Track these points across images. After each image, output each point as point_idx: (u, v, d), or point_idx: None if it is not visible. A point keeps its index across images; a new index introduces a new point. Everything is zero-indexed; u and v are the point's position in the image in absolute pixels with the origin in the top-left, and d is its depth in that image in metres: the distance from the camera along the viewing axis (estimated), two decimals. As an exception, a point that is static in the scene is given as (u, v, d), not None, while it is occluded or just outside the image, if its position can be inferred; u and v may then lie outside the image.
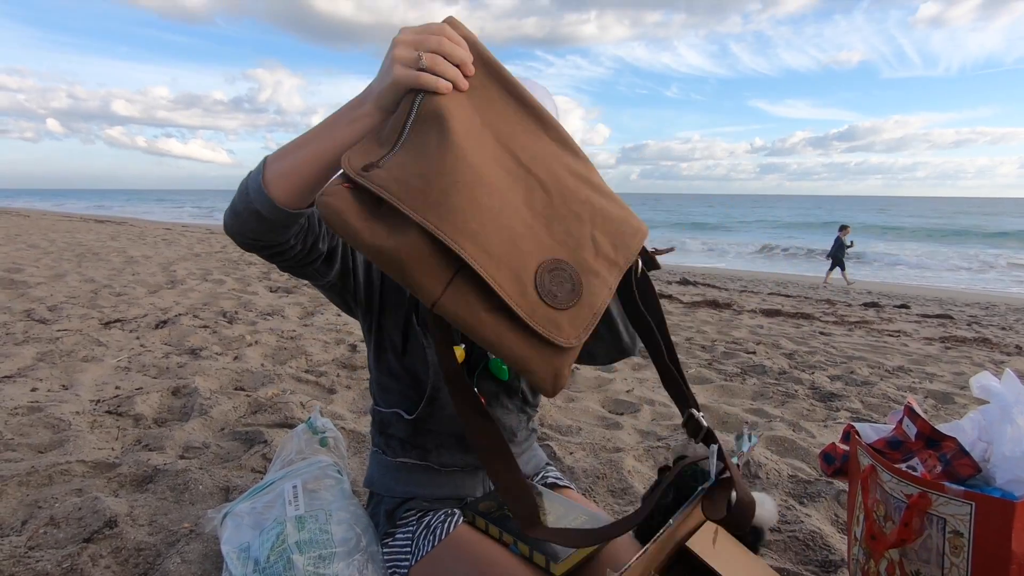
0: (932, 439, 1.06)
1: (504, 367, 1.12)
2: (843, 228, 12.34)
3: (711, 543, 0.84)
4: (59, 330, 3.56)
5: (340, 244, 1.01)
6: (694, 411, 0.83)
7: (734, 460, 0.81)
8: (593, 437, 2.29)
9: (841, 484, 1.84)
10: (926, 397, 3.16)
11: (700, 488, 0.80)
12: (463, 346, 1.10)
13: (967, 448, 1.03)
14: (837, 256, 11.85)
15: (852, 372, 3.60)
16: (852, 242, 12.03)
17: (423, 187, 0.69)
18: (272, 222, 0.82)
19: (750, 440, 0.88)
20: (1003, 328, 6.33)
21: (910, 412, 1.11)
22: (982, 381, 1.08)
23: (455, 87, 0.73)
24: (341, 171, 0.72)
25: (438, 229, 0.67)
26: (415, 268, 0.68)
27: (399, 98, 0.74)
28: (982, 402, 1.10)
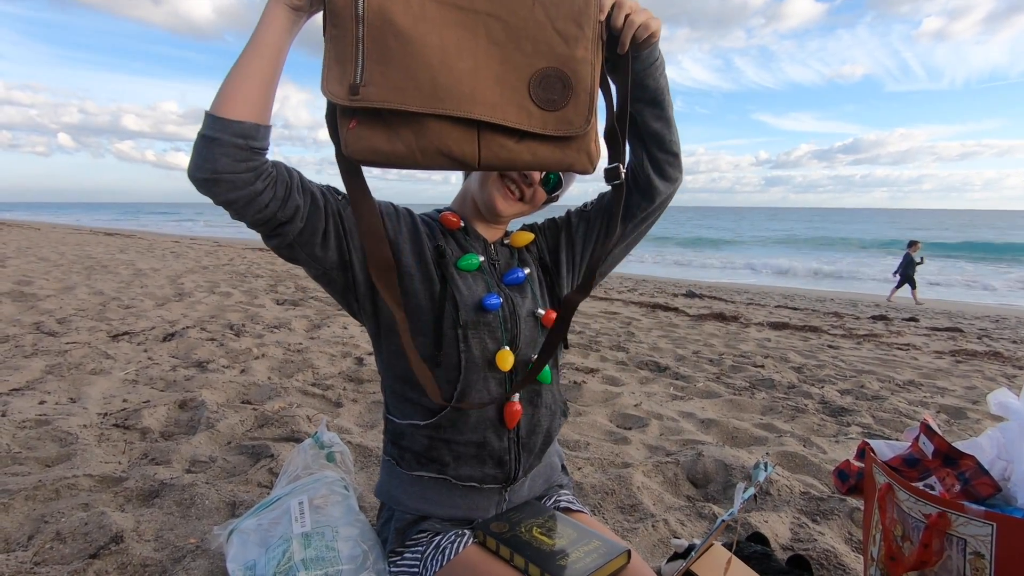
0: (950, 457, 1.05)
1: (546, 372, 1.14)
2: (912, 244, 11.39)
3: (722, 571, 0.82)
4: (68, 343, 3.57)
5: (333, 226, 1.00)
6: (620, 166, 0.95)
7: (751, 490, 0.80)
8: (601, 452, 2.27)
9: (855, 501, 1.81)
10: (938, 412, 3.12)
11: (720, 520, 0.79)
12: (508, 348, 1.09)
13: (986, 466, 1.01)
14: (907, 273, 11.04)
15: (862, 386, 3.56)
16: (922, 258, 11.18)
17: (414, 85, 0.79)
18: (232, 145, 0.84)
19: (766, 469, 0.86)
20: (1014, 342, 6.26)
21: (927, 429, 1.10)
22: (1000, 398, 1.06)
23: None
24: (331, 109, 0.82)
25: (447, 110, 0.80)
26: (452, 149, 0.82)
27: None
28: (996, 417, 1.08)
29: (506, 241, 1.21)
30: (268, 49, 0.86)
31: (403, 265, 1.07)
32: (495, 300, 1.08)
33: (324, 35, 0.82)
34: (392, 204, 1.14)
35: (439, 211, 1.21)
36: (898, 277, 11.30)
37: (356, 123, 0.81)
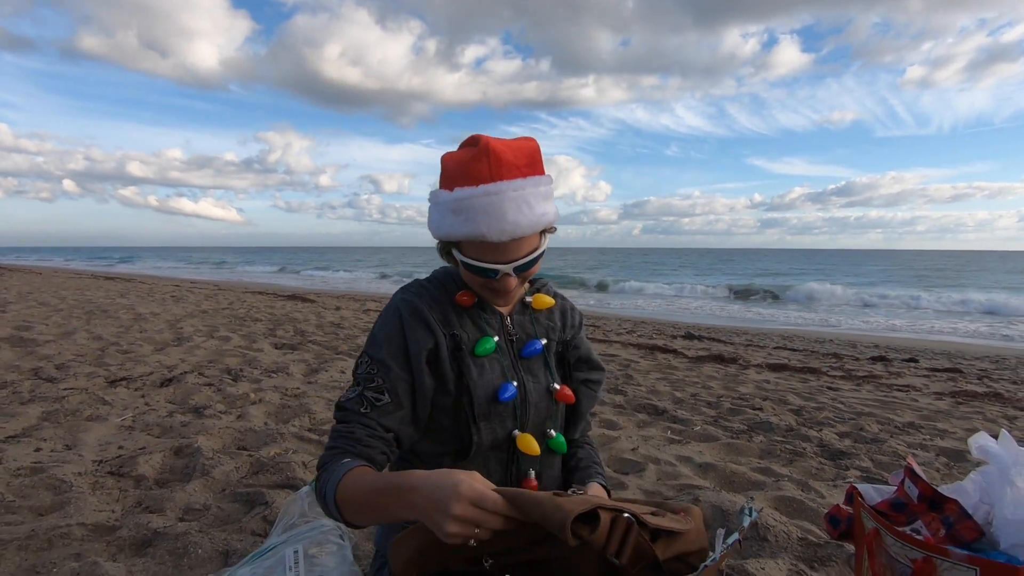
0: (935, 501, 1.06)
1: (562, 441, 1.15)
2: None
3: None
4: (65, 388, 3.58)
5: (410, 410, 1.04)
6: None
7: (735, 536, 0.81)
8: (598, 498, 2.26)
9: (852, 547, 1.79)
10: (937, 455, 3.10)
11: (702, 566, 0.80)
12: (527, 433, 1.09)
13: (970, 511, 1.02)
14: None
15: (861, 429, 3.55)
16: None
17: None
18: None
19: (751, 515, 0.88)
20: (1014, 382, 6.24)
21: (911, 473, 1.11)
22: (980, 441, 1.08)
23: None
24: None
25: None
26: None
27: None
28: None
29: (528, 299, 1.17)
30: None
31: (426, 388, 1.04)
32: (510, 391, 1.06)
33: None
34: (402, 330, 1.05)
35: (447, 273, 1.14)
36: None
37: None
